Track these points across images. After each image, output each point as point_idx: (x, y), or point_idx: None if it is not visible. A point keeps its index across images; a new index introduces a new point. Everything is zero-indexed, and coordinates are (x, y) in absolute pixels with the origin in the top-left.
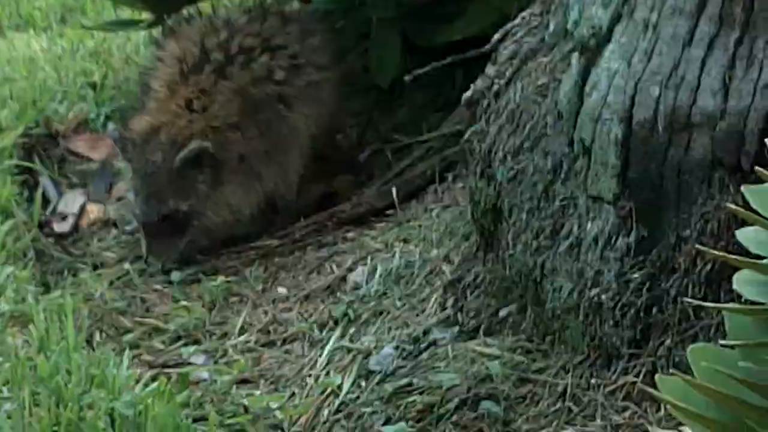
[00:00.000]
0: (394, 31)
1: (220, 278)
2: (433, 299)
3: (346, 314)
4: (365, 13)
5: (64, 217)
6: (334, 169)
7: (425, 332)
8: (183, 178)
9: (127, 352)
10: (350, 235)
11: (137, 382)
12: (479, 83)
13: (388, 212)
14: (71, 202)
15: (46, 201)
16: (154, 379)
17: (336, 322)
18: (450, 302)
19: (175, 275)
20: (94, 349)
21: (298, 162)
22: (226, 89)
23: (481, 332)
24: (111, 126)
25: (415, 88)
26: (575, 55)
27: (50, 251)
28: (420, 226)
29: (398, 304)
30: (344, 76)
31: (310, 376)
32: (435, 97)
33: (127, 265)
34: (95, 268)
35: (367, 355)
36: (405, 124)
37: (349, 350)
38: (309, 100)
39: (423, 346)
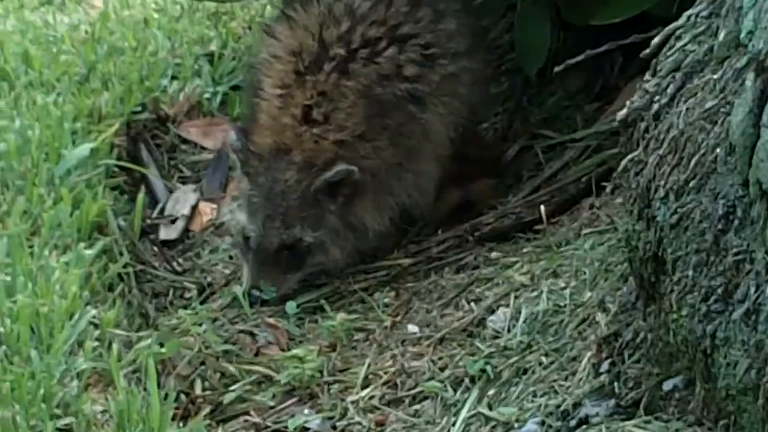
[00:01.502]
0: (544, 8)
1: (340, 316)
2: (585, 359)
3: (484, 371)
4: None
5: (173, 221)
6: (473, 169)
7: (575, 405)
8: (315, 204)
9: None
10: (493, 255)
11: None
12: (637, 100)
13: (536, 227)
14: (182, 201)
15: (152, 199)
16: None
17: (473, 381)
18: (605, 366)
19: (291, 306)
20: (185, 422)
21: (435, 168)
22: (348, 91)
23: (641, 408)
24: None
25: (567, 72)
26: (750, 75)
27: (151, 268)
28: (572, 256)
29: (544, 361)
30: (486, 62)
31: None
32: (590, 83)
33: (237, 289)
34: (201, 291)
35: (508, 429)
36: (556, 116)
37: (487, 419)
38: (445, 97)
39: (572, 423)
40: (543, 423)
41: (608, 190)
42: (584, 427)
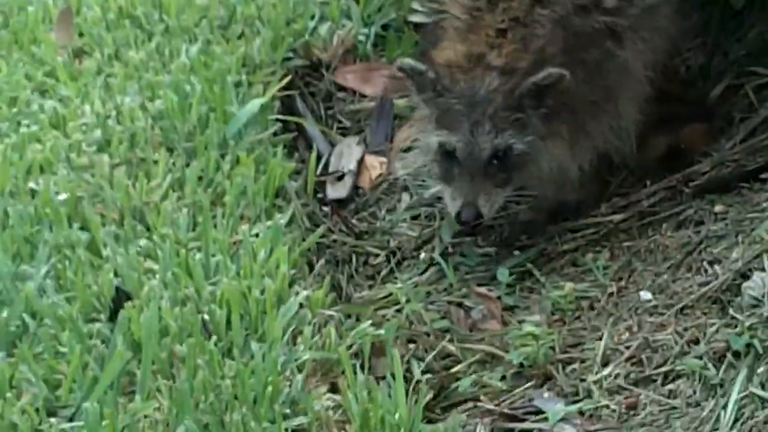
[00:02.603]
0: None
1: (568, 285)
2: None
3: (750, 345)
4: None
5: (339, 177)
6: (679, 112)
7: None
8: (522, 109)
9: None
10: (718, 209)
11: None
12: None
13: (762, 176)
14: (346, 155)
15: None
16: None
17: (737, 356)
18: None
19: (503, 274)
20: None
21: (635, 110)
22: (544, 19)
23: None
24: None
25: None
26: None
27: (330, 232)
28: None
29: None
30: None
31: None
32: None
33: (435, 255)
34: (391, 256)
35: None
36: (763, 50)
37: (763, 401)
38: (645, 32)
39: None
40: None
41: None
42: None
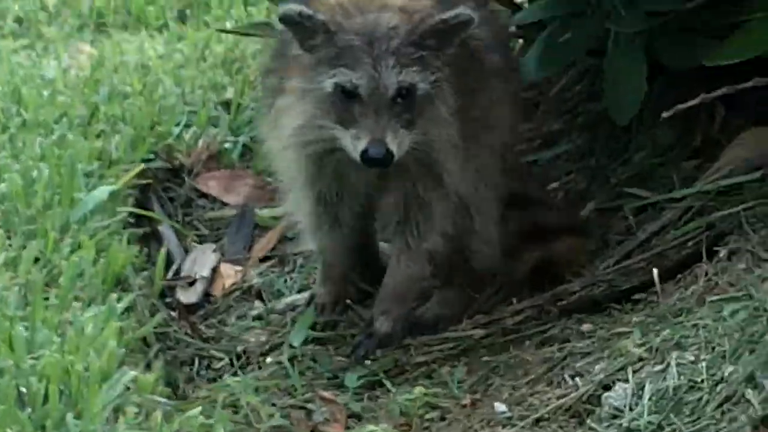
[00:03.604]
0: (639, 49)
1: (417, 390)
2: None
3: None
4: (599, 24)
5: (191, 283)
6: (551, 224)
7: None
8: (424, 47)
9: None
10: (585, 328)
11: None
12: None
13: (635, 297)
14: (200, 261)
15: (166, 257)
16: None
17: None
18: None
19: (350, 379)
20: None
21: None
22: None
23: None
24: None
25: (658, 124)
26: None
27: (174, 332)
28: (697, 326)
29: None
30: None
31: None
32: (686, 138)
33: (282, 359)
34: (235, 360)
35: None
36: (646, 174)
37: None
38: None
39: None
40: None
41: (724, 255)
42: None
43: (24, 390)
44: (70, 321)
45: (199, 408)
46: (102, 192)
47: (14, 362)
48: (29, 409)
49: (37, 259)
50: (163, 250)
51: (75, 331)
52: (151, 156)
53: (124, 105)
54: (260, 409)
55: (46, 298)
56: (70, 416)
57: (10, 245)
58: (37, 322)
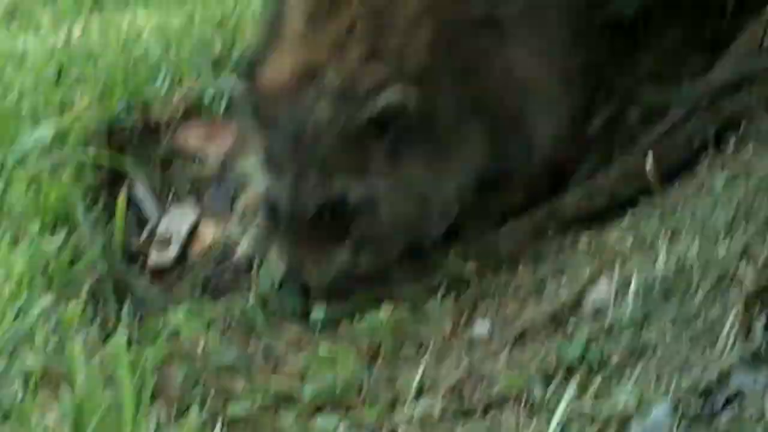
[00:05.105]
0: None
1: (387, 311)
2: (728, 323)
3: (583, 357)
4: None
5: (166, 243)
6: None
7: (720, 379)
8: (358, 148)
9: None
10: (582, 242)
11: None
12: None
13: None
14: (177, 220)
15: (141, 221)
16: None
17: (569, 371)
18: (759, 326)
19: (317, 313)
20: None
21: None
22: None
23: None
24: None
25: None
26: None
27: (138, 289)
28: (694, 212)
29: (670, 334)
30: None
31: None
32: (696, 32)
33: (250, 299)
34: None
35: (624, 421)
36: (654, 72)
37: (592, 419)
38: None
39: (719, 400)
40: (676, 407)
41: (732, 144)
42: (736, 402)
43: None
44: None
45: (125, 337)
46: (44, 130)
47: None
48: None
49: None
50: (120, 199)
51: None
52: (125, 111)
53: (98, 64)
54: (212, 346)
55: None
56: None
57: None
58: None
